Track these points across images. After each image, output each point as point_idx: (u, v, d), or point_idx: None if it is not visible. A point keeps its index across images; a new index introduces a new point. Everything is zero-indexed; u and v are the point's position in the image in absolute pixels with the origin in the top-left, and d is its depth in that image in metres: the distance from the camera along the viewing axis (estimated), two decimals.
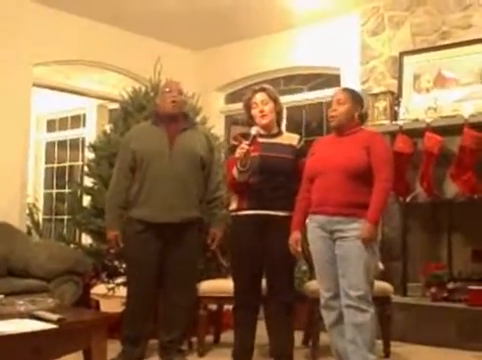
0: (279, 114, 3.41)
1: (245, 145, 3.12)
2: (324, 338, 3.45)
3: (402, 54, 4.84)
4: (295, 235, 3.11)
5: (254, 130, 3.21)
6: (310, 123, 5.94)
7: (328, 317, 3.09)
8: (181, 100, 3.61)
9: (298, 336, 3.49)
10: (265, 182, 3.21)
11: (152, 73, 4.66)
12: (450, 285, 4.23)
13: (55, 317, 2.53)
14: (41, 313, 2.61)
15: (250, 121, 3.40)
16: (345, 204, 2.94)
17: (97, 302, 4.53)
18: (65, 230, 6.09)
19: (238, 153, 3.12)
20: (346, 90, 3.19)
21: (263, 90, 3.36)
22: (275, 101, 3.36)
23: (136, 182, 3.50)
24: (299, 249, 3.12)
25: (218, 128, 5.66)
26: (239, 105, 6.08)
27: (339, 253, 2.97)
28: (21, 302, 2.82)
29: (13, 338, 2.36)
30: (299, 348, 3.62)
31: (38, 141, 7.45)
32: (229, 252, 3.60)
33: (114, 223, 3.54)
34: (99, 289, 4.65)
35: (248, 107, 3.38)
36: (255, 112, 3.33)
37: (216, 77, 6.23)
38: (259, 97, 3.33)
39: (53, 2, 4.99)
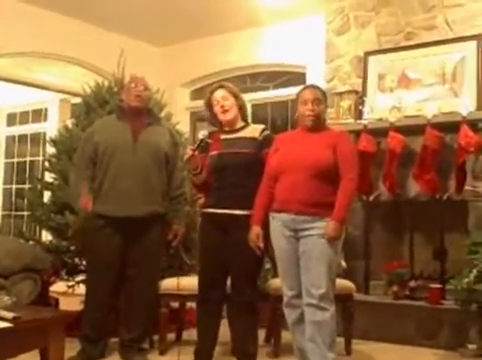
0: (242, 108, 3.37)
1: (190, 149, 3.16)
2: (286, 336, 3.44)
3: (367, 54, 4.87)
4: (255, 230, 3.06)
5: (201, 134, 3.23)
6: (275, 120, 5.95)
7: (290, 315, 3.08)
8: (146, 95, 3.57)
9: (260, 334, 3.48)
10: (224, 180, 3.20)
11: (115, 68, 4.58)
12: (412, 283, 4.28)
13: (10, 315, 2.49)
14: None
15: (213, 120, 3.37)
16: (310, 203, 2.92)
17: (56, 300, 4.43)
18: (25, 226, 5.95)
19: (185, 158, 3.18)
20: (319, 89, 3.15)
21: (221, 87, 3.35)
22: (235, 96, 3.33)
23: (97, 176, 3.44)
24: (261, 244, 3.06)
25: (183, 124, 5.62)
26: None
27: (302, 250, 2.95)
28: None
29: None
30: (262, 346, 3.60)
31: None
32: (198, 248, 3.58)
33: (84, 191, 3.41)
34: (59, 287, 4.55)
35: (210, 106, 3.35)
36: (217, 109, 3.31)
37: (181, 73, 6.19)
38: (219, 94, 3.31)
39: None
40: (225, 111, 3.29)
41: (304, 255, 2.95)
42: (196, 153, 3.17)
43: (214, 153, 3.24)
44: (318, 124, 3.08)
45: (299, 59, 5.45)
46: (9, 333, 2.43)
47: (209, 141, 3.29)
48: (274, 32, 5.60)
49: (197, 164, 3.21)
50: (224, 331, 3.35)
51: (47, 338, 2.61)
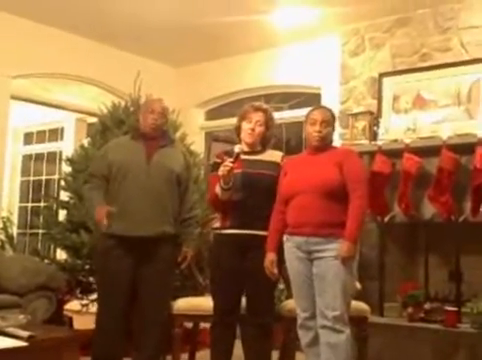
0: (266, 138, 3.38)
1: (229, 163, 3.09)
2: (300, 358, 3.41)
3: (382, 75, 4.89)
4: (270, 256, 3.09)
5: (237, 148, 3.19)
6: (290, 141, 5.97)
7: (304, 337, 3.06)
8: (161, 123, 3.57)
9: (274, 355, 3.45)
10: (247, 199, 3.19)
11: (132, 88, 4.64)
12: (427, 305, 4.23)
13: (26, 334, 2.52)
14: (11, 330, 2.60)
15: (235, 132, 3.38)
16: (322, 224, 2.93)
17: (70, 318, 4.44)
18: (40, 245, 5.99)
19: (221, 171, 3.09)
20: (329, 111, 3.18)
21: (264, 112, 3.34)
22: (268, 128, 3.34)
23: (110, 195, 3.45)
24: (275, 271, 3.10)
25: (198, 144, 5.65)
26: (219, 122, 6.19)
27: (316, 272, 2.95)
28: None
29: None
30: None
31: (14, 154, 7.39)
32: (209, 269, 3.56)
33: (99, 202, 3.39)
34: (73, 305, 4.58)
35: (242, 117, 3.35)
36: (245, 126, 3.31)
37: (196, 94, 6.24)
38: (257, 115, 3.31)
39: (33, 15, 4.98)
40: (251, 134, 3.30)
41: (318, 277, 2.95)
42: (235, 165, 3.10)
43: (238, 171, 3.20)
44: (324, 145, 3.10)
45: (314, 80, 5.47)
46: (24, 352, 2.46)
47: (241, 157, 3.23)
48: (289, 53, 5.63)
49: (231, 179, 3.14)
50: (237, 352, 3.33)
51: (61, 357, 2.64)
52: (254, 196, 3.19)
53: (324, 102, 5.08)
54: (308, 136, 3.13)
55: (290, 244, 3.05)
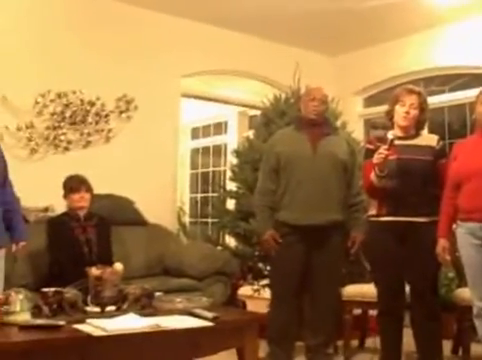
0: (420, 121, 3.32)
1: (383, 150, 3.07)
2: (476, 349, 3.32)
3: None
4: (442, 243, 3.02)
5: (391, 134, 3.14)
6: (452, 125, 5.73)
7: (481, 327, 2.97)
8: (323, 109, 3.63)
9: (446, 346, 3.38)
10: (403, 186, 3.15)
11: (291, 80, 4.75)
12: None
13: (211, 315, 2.68)
14: (198, 311, 2.77)
15: (388, 117, 3.34)
16: None
17: (244, 303, 4.69)
18: (210, 232, 6.36)
19: (376, 158, 3.08)
20: None
21: (418, 94, 3.27)
22: (422, 111, 3.27)
23: (281, 186, 3.58)
24: (448, 258, 3.04)
25: (357, 132, 5.63)
26: (378, 108, 6.10)
27: None
28: (179, 300, 3.01)
29: (175, 333, 2.55)
30: (449, 358, 3.51)
31: (183, 148, 7.83)
32: (368, 257, 3.59)
33: (267, 223, 3.58)
34: (245, 290, 4.83)
35: (395, 101, 3.31)
36: (399, 110, 3.26)
37: (354, 81, 6.21)
38: (410, 100, 3.24)
39: (196, 16, 5.27)
40: (406, 118, 3.25)
41: None
42: (389, 152, 3.08)
43: (392, 158, 3.16)
44: None
45: (478, 60, 5.20)
46: (210, 331, 2.63)
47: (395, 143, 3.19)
48: (451, 32, 5.39)
49: (386, 166, 3.12)
50: (407, 339, 3.33)
51: (243, 338, 2.77)
52: (410, 182, 3.14)
53: None
54: (479, 116, 3.01)
55: (463, 230, 2.97)
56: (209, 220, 6.89)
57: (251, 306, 4.59)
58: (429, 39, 5.58)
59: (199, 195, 7.73)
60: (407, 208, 3.15)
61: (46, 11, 4.69)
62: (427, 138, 3.33)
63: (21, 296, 2.56)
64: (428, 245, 3.06)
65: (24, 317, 2.52)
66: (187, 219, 6.99)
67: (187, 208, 7.39)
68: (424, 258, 3.09)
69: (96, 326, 2.43)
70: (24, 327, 2.42)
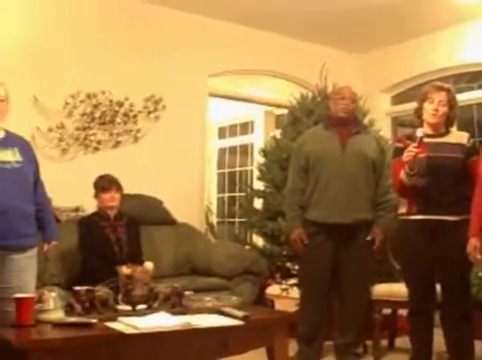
0: (450, 118, 3.27)
1: (413, 148, 3.04)
2: None
3: None
4: (473, 242, 2.97)
5: (420, 131, 3.11)
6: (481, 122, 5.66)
7: None
8: (352, 108, 3.62)
9: (477, 346, 3.33)
10: (433, 185, 3.12)
11: (318, 78, 4.73)
12: None
13: (240, 314, 2.68)
14: (227, 309, 2.78)
15: (416, 114, 3.30)
16: None
17: (272, 302, 4.70)
18: (237, 231, 6.37)
19: (406, 156, 3.06)
20: None
21: (447, 91, 3.23)
22: (451, 108, 3.23)
23: (310, 184, 3.59)
24: (479, 257, 2.98)
25: (385, 130, 5.58)
26: (406, 106, 6.04)
27: None
28: (208, 298, 3.01)
29: (205, 332, 2.56)
30: (481, 359, 3.46)
31: (210, 148, 7.86)
32: (398, 256, 3.56)
33: (296, 222, 3.60)
34: (273, 289, 4.83)
35: (423, 98, 3.26)
36: (428, 107, 3.22)
37: (381, 79, 6.16)
38: (439, 97, 3.21)
39: (225, 15, 5.29)
40: (434, 115, 3.20)
41: None
42: (419, 150, 3.05)
43: (422, 156, 3.13)
44: None
45: None
46: (241, 330, 2.65)
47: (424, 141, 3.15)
48: (480, 28, 5.32)
49: (416, 164, 3.09)
50: (438, 338, 3.29)
51: (273, 337, 2.77)
52: (440, 181, 3.11)
53: None
54: None
55: None
56: (236, 220, 6.91)
57: (279, 305, 4.60)
58: (458, 35, 5.51)
59: (226, 195, 7.74)
60: (437, 206, 3.12)
61: (77, 13, 4.75)
62: (457, 136, 3.29)
63: (54, 294, 2.61)
64: (459, 244, 3.02)
65: (58, 315, 2.56)
66: (215, 219, 7.01)
67: (214, 208, 7.41)
68: (455, 257, 3.06)
69: (127, 324, 2.46)
70: (58, 325, 2.46)
